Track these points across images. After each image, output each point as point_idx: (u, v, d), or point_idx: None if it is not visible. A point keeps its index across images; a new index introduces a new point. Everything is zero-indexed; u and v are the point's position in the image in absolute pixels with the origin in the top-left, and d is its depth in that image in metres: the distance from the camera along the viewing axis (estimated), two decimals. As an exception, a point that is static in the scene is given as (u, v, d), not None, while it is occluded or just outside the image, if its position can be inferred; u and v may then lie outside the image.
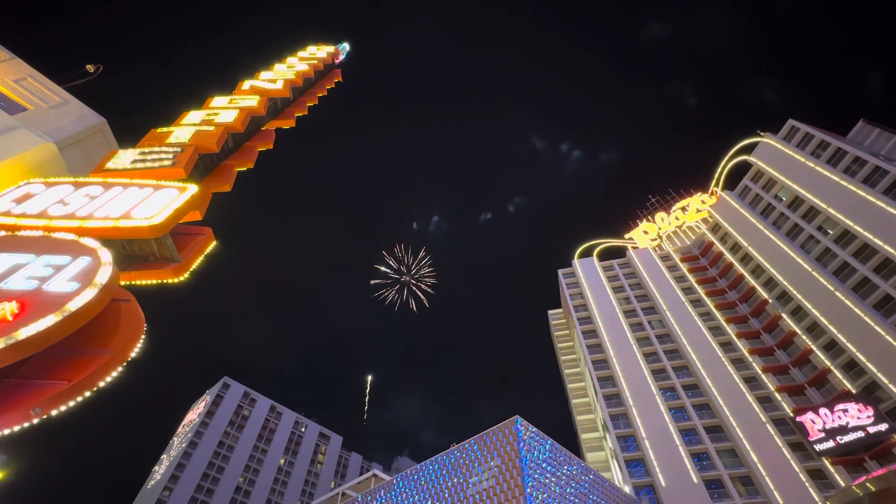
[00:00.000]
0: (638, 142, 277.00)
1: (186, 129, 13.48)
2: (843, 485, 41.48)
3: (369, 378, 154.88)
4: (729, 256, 70.21)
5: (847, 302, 49.89)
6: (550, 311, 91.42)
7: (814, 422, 46.24)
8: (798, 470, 44.69)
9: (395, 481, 37.33)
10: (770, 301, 60.71)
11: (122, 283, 9.03)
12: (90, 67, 16.54)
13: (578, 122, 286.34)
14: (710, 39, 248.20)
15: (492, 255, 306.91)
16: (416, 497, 34.11)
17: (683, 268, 74.34)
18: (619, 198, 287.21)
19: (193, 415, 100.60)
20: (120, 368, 7.51)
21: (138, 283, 9.77)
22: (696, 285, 70.20)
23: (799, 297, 56.09)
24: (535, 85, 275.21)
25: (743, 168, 74.43)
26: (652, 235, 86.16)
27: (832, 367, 50.08)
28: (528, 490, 27.83)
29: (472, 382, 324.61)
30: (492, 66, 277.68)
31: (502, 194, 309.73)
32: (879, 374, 45.02)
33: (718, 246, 73.19)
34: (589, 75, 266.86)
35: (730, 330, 61.63)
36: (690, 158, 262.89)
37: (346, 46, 29.26)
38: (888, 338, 44.83)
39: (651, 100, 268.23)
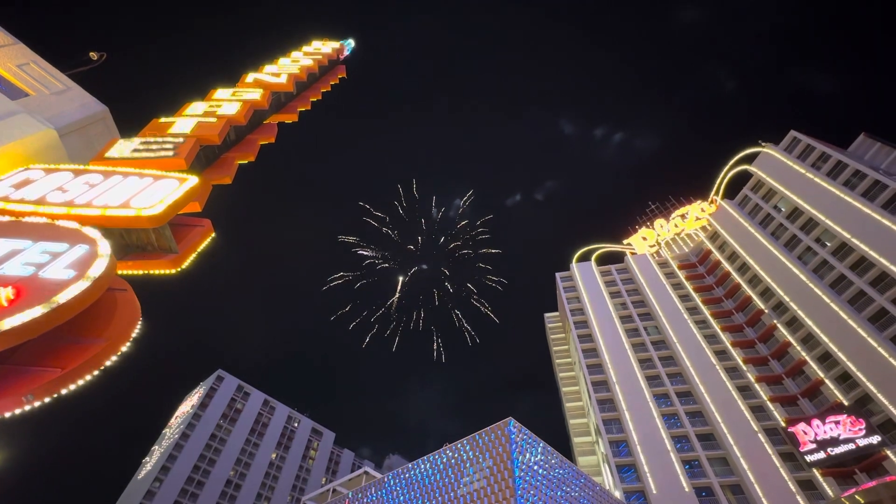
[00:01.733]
0: (639, 147, 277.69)
1: (189, 119, 13.44)
2: (832, 496, 41.65)
3: (400, 280, 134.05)
4: (726, 265, 70.38)
5: (842, 314, 50.07)
6: (547, 315, 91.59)
7: (805, 432, 46.40)
8: (788, 480, 44.86)
9: (386, 479, 37.34)
10: (766, 311, 60.86)
11: (119, 272, 8.99)
12: (94, 55, 16.45)
13: (578, 121, 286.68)
14: (713, 42, 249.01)
15: (491, 255, 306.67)
16: (407, 495, 34.10)
17: (681, 275, 74.49)
18: (619, 202, 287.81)
19: (186, 407, 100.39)
20: (114, 357, 7.49)
21: (135, 272, 9.75)
22: (692, 293, 70.35)
23: (795, 307, 56.27)
24: (549, 83, 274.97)
25: (743, 177, 74.65)
26: (650, 242, 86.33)
27: (825, 379, 50.26)
28: (519, 492, 27.84)
29: (472, 380, 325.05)
30: (494, 63, 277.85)
31: (499, 193, 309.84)
32: (872, 387, 45.20)
33: (716, 254, 73.37)
34: (601, 74, 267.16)
35: (725, 338, 61.78)
36: (691, 166, 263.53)
37: (351, 42, 29.22)
38: (882, 351, 45.00)
39: (654, 103, 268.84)
